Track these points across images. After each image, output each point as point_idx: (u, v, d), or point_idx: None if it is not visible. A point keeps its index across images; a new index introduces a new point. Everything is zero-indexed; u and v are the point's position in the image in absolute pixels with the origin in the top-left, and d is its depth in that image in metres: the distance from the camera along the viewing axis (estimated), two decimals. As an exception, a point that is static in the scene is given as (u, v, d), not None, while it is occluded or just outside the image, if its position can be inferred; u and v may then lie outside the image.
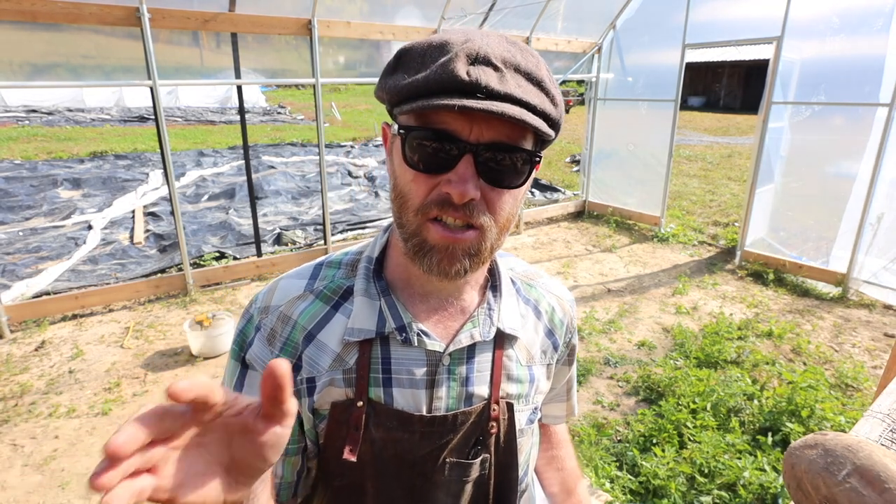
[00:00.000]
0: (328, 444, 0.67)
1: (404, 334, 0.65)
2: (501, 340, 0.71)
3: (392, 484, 0.68)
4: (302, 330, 0.66)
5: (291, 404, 0.41)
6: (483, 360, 0.69)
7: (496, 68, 0.53)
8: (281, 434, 0.42)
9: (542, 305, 0.78)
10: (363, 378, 0.65)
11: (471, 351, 0.68)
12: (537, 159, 0.58)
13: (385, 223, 0.79)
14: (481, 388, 0.69)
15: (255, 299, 0.70)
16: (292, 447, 0.67)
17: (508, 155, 0.55)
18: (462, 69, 0.52)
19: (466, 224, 0.57)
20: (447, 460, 0.68)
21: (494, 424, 0.70)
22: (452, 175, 0.54)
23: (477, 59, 0.53)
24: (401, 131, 0.56)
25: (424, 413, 0.66)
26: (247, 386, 0.67)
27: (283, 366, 0.39)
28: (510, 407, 0.71)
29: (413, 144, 0.55)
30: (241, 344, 0.68)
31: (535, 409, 0.78)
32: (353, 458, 0.65)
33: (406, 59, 0.56)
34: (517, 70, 0.54)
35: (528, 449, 0.78)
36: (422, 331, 0.65)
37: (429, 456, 0.67)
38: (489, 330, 0.69)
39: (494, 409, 0.70)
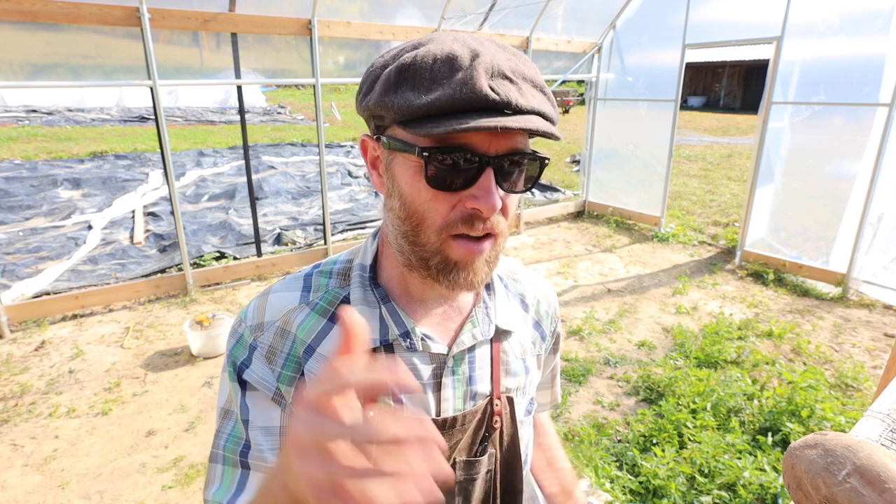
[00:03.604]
0: None
1: (409, 340, 0.65)
2: (498, 335, 0.73)
3: None
4: (301, 343, 0.65)
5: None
6: (483, 357, 0.71)
7: (512, 81, 0.53)
8: None
9: (528, 298, 0.81)
10: None
11: (471, 349, 0.70)
12: (547, 161, 0.60)
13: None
14: (483, 386, 0.71)
15: (244, 317, 0.67)
16: None
17: (522, 161, 0.57)
18: (486, 86, 0.51)
19: (485, 233, 0.58)
20: (457, 460, 0.69)
21: (498, 419, 0.72)
22: (476, 190, 0.55)
23: (494, 73, 0.53)
24: (424, 153, 0.53)
25: (434, 416, 0.67)
26: (251, 406, 0.63)
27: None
28: (510, 401, 0.73)
29: (437, 164, 0.54)
30: (234, 364, 0.64)
31: (532, 399, 0.80)
32: None
33: (410, 74, 0.53)
34: (524, 79, 0.55)
35: (527, 438, 0.80)
36: (425, 334, 0.66)
37: None
38: (489, 328, 0.71)
39: (497, 405, 0.71)
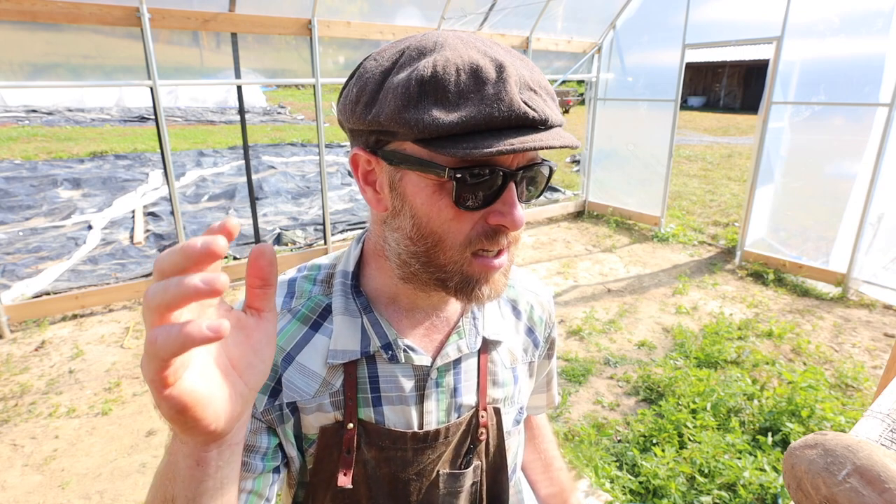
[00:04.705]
0: (318, 468, 0.65)
1: (390, 352, 0.63)
2: (486, 346, 0.70)
3: (387, 503, 0.67)
4: (280, 351, 0.63)
5: (272, 292, 0.41)
6: (469, 368, 0.69)
7: (536, 92, 0.52)
8: (270, 322, 0.42)
9: (520, 305, 0.78)
10: (351, 399, 0.63)
11: (456, 360, 0.68)
12: (555, 168, 0.59)
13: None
14: (469, 397, 0.69)
15: None
16: (268, 464, 0.63)
17: (538, 172, 0.56)
18: (521, 102, 0.49)
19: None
20: (440, 472, 0.68)
21: (484, 431, 0.70)
22: (501, 206, 0.53)
23: (522, 87, 0.51)
24: (456, 175, 0.50)
25: (416, 429, 0.65)
26: None
27: (265, 247, 0.39)
28: (497, 412, 0.71)
29: (466, 184, 0.51)
30: None
31: (521, 408, 0.78)
32: (349, 484, 0.63)
33: (432, 87, 0.49)
34: (541, 88, 0.53)
35: (515, 448, 0.78)
36: (408, 346, 0.64)
37: (423, 471, 0.67)
38: (475, 340, 0.69)
39: (483, 416, 0.70)
